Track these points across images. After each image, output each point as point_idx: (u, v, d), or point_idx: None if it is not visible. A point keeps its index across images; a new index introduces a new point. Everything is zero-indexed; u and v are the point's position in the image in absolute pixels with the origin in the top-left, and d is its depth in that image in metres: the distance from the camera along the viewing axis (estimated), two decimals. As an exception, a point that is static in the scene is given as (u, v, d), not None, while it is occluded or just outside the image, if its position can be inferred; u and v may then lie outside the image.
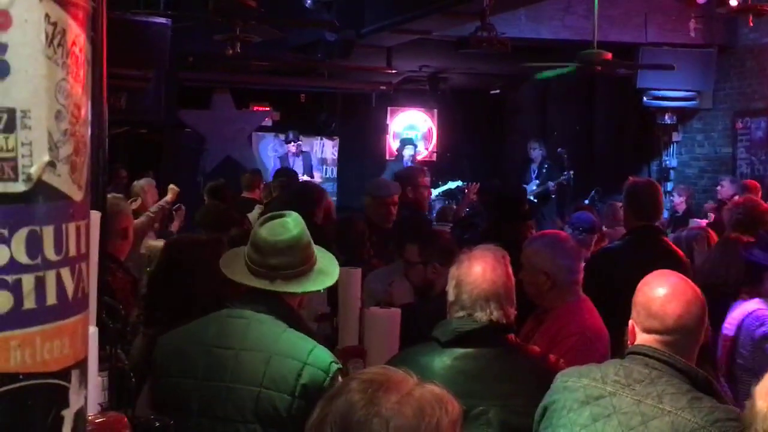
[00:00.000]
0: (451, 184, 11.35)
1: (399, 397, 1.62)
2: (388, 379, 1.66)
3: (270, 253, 2.81)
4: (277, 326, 2.78)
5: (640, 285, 2.71)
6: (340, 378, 2.69)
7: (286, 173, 9.06)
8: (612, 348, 3.60)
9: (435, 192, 11.24)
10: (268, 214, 2.94)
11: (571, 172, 11.43)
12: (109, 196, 6.04)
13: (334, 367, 2.71)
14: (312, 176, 12.47)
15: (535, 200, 11.36)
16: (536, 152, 11.87)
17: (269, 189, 8.22)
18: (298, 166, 12.38)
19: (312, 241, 2.93)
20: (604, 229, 7.14)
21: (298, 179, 9.04)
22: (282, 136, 13.71)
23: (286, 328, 2.79)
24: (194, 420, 2.74)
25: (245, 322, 2.79)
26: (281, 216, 2.89)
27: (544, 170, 11.72)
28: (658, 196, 5.12)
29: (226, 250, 3.77)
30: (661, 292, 2.62)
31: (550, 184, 11.47)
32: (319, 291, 3.12)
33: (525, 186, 11.39)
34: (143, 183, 8.38)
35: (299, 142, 12.76)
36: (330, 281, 2.98)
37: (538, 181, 11.65)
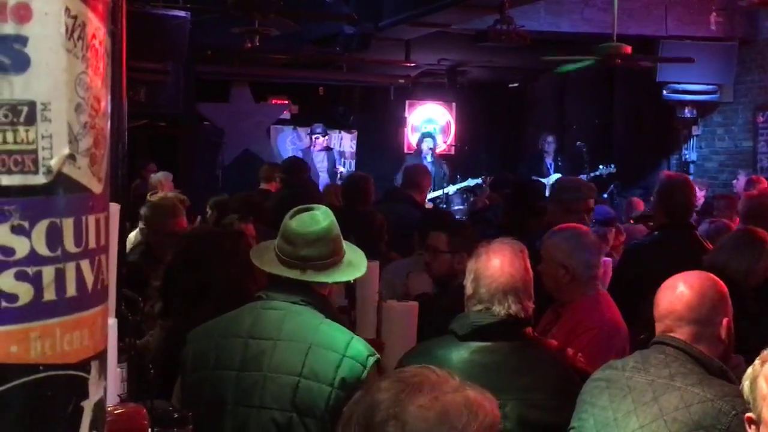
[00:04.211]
0: (470, 182, 11.30)
1: (426, 400, 1.55)
2: (422, 380, 1.59)
3: (301, 245, 2.86)
4: (314, 317, 2.84)
5: None
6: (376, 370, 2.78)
7: (291, 166, 8.42)
8: (633, 343, 3.59)
9: (453, 188, 11.19)
10: (298, 207, 2.98)
11: (612, 166, 11.21)
12: (171, 195, 6.05)
13: (371, 359, 2.76)
14: (335, 174, 12.32)
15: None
16: (551, 146, 11.82)
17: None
18: (322, 162, 12.30)
19: (340, 234, 2.98)
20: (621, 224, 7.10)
21: (303, 175, 8.42)
22: (301, 130, 13.68)
23: (322, 319, 2.85)
24: (230, 409, 2.77)
25: (281, 313, 2.84)
26: (310, 209, 2.95)
27: (560, 163, 11.65)
28: (694, 195, 5.04)
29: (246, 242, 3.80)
30: (667, 283, 2.77)
31: (582, 177, 11.30)
32: (349, 281, 3.20)
33: (543, 180, 11.33)
34: (160, 176, 8.50)
35: (326, 136, 12.62)
36: (358, 272, 3.04)
37: (560, 174, 11.53)
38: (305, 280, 2.88)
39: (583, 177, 11.15)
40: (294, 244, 2.87)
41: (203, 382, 2.85)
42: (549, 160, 11.80)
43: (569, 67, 9.86)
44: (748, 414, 2.23)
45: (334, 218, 2.96)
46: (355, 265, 3.01)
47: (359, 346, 2.78)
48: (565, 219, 4.64)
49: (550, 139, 11.89)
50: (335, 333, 2.81)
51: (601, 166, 11.21)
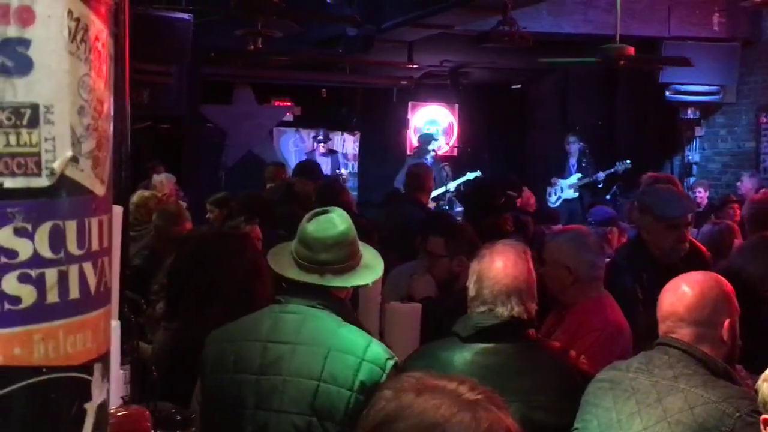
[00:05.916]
0: (470, 175, 11.25)
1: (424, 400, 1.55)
2: (432, 386, 1.58)
3: (319, 249, 2.84)
4: (333, 321, 2.82)
5: None
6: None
7: (307, 170, 8.77)
8: (635, 344, 3.58)
9: (452, 184, 11.17)
10: (314, 210, 2.95)
11: (628, 161, 11.07)
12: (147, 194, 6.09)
13: (390, 363, 2.73)
14: (338, 177, 12.40)
15: (577, 193, 11.30)
16: (574, 146, 11.78)
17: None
18: (326, 166, 12.33)
19: (357, 237, 2.95)
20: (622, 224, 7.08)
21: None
22: (303, 132, 13.70)
23: (341, 322, 2.83)
24: (249, 413, 2.75)
25: (300, 317, 2.82)
26: (327, 212, 2.92)
27: (584, 163, 11.63)
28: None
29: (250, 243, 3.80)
30: (670, 284, 2.78)
31: (600, 174, 11.28)
32: (368, 284, 3.14)
33: (563, 181, 11.36)
34: (162, 177, 8.52)
35: (328, 142, 12.71)
36: (376, 275, 3.01)
37: (580, 174, 11.52)
38: (325, 285, 2.85)
39: (601, 175, 11.19)
40: (312, 248, 2.84)
41: (223, 385, 2.83)
42: (572, 161, 11.76)
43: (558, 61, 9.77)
44: (766, 416, 2.22)
45: (350, 221, 2.92)
46: (372, 267, 2.98)
47: (378, 350, 2.76)
48: (663, 236, 4.32)
49: (572, 139, 11.83)
50: (354, 337, 2.79)
51: (617, 163, 11.15)
